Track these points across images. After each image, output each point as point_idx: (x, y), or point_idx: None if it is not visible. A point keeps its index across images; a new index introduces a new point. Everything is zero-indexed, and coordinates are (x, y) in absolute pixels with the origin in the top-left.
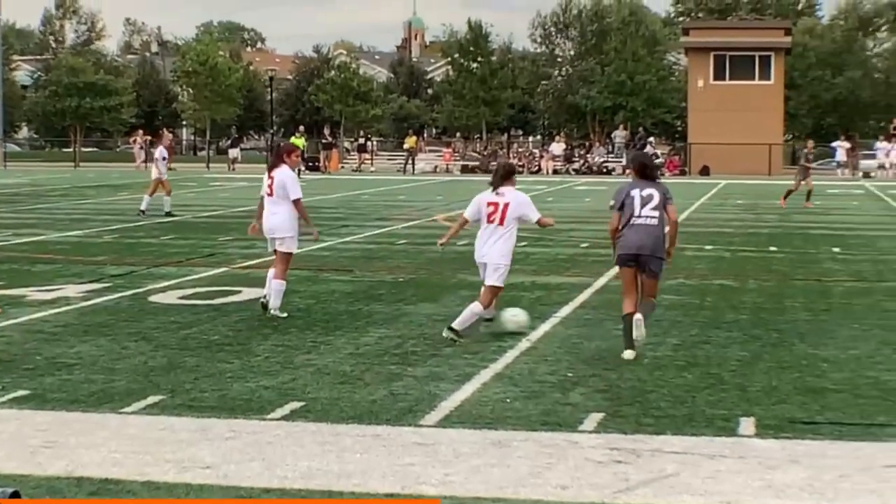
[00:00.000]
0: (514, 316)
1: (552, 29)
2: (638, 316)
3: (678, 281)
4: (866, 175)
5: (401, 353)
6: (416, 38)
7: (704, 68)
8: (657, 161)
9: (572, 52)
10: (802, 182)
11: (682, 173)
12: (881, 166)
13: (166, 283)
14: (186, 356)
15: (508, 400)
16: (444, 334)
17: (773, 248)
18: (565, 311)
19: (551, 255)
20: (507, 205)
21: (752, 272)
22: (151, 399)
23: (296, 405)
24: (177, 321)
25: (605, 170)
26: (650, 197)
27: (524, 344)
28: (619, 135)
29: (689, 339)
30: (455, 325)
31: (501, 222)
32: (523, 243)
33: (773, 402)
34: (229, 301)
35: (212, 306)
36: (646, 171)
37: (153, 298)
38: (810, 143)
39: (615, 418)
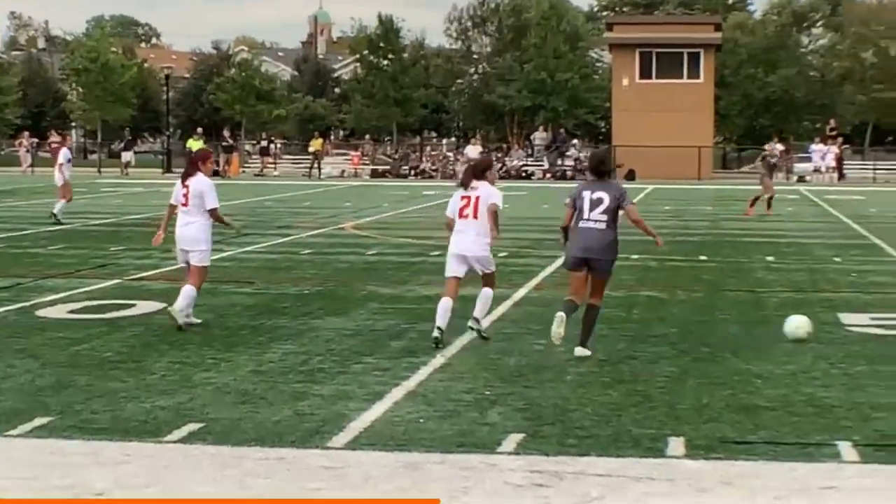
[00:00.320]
0: (797, 328)
1: (468, 24)
2: (580, 351)
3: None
4: (801, 179)
5: (307, 370)
6: (322, 34)
7: (629, 66)
8: (582, 165)
9: (489, 49)
10: (771, 185)
11: None
12: (817, 170)
13: (55, 297)
14: (77, 374)
15: (422, 420)
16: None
17: (703, 257)
18: (482, 324)
19: None
20: (478, 198)
21: (681, 283)
22: (39, 421)
23: (194, 426)
24: (66, 337)
25: (524, 174)
26: (600, 200)
27: (438, 360)
28: (539, 137)
29: (614, 353)
30: (441, 324)
31: (475, 215)
32: (436, 252)
33: (704, 421)
34: (123, 315)
35: (104, 321)
36: (599, 169)
37: (41, 313)
38: (769, 146)
39: (536, 439)
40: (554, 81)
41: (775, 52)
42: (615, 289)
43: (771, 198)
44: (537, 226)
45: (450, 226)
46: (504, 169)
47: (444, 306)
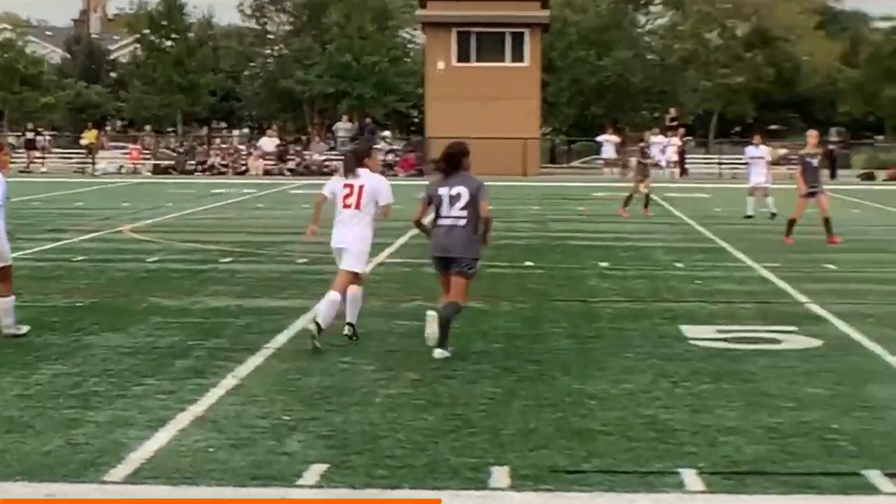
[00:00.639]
0: None
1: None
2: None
3: (415, 304)
4: None
5: (80, 393)
6: (96, 10)
7: (445, 47)
8: (393, 159)
9: (288, 28)
10: (641, 184)
11: (420, 173)
12: (656, 165)
13: None
14: None
15: (212, 449)
16: (309, 327)
17: (529, 263)
18: (280, 340)
19: (262, 273)
20: (362, 187)
21: (505, 292)
22: None
23: None
24: None
25: (326, 169)
26: (458, 196)
27: (230, 381)
28: (343, 127)
29: (429, 373)
30: (320, 321)
31: (358, 206)
32: (227, 259)
33: (531, 448)
34: None
35: None
36: (451, 162)
37: None
38: (650, 136)
39: (341, 470)
40: (359, 65)
41: (609, 32)
42: (426, 299)
43: (630, 197)
44: None
45: (317, 202)
46: (304, 164)
47: (329, 298)
